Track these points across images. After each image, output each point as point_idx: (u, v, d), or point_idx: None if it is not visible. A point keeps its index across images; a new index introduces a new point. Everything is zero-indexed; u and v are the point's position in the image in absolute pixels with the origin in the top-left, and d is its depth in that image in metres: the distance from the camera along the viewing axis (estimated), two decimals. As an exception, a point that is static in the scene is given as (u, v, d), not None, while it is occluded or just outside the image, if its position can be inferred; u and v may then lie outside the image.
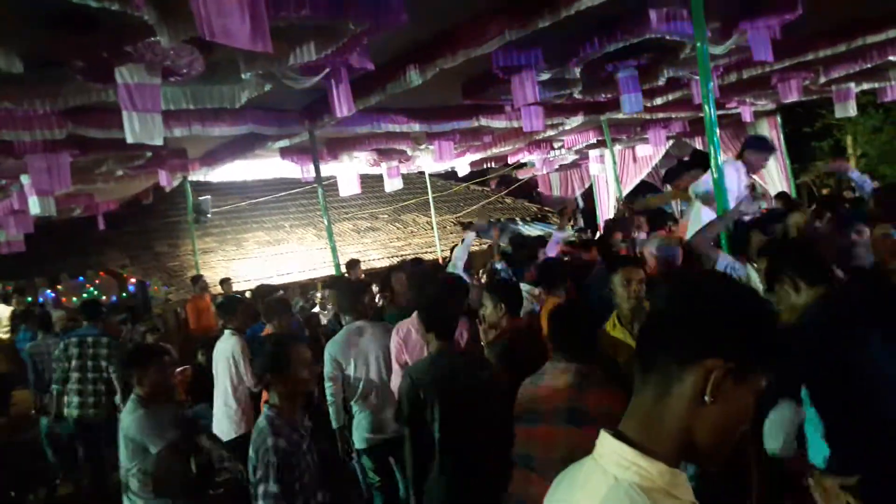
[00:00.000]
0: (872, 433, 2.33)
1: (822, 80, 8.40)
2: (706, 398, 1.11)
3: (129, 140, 4.55)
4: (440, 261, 12.11)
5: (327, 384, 4.63)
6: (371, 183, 12.29)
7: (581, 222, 15.41)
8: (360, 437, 4.60)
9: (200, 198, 10.82)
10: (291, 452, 2.74)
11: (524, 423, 2.93)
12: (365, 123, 7.55)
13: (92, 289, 12.16)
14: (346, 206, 15.45)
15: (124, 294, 12.12)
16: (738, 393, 1.13)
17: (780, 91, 8.67)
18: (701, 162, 8.20)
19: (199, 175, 9.42)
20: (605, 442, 1.17)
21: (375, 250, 14.67)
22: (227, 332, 5.53)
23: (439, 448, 3.32)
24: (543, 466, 2.70)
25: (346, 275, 8.28)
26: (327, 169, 9.71)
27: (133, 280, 12.15)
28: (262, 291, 6.80)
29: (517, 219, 17.37)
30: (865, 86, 9.47)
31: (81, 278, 12.23)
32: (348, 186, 10.31)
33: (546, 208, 18.25)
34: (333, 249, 7.97)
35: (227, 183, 12.39)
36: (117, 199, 11.41)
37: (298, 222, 15.05)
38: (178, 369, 6.93)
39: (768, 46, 5.55)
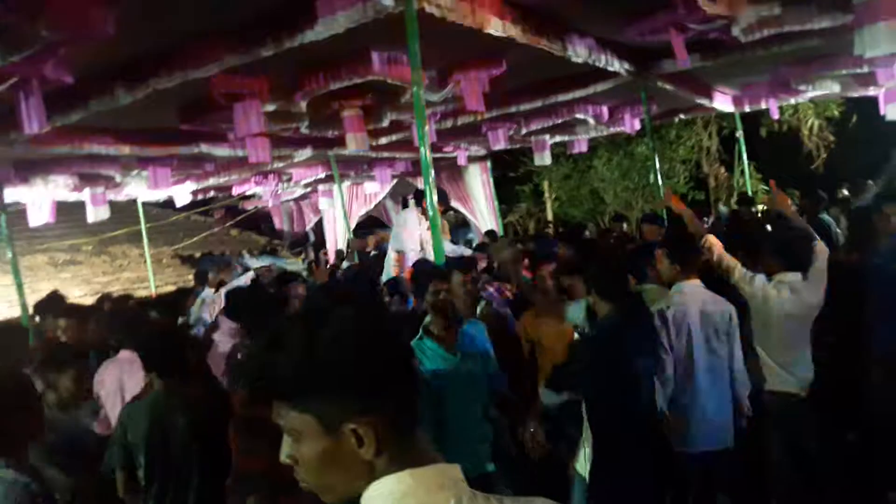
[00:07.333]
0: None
1: (524, 131, 9.39)
2: None
3: None
4: (153, 296, 11.13)
5: None
6: (72, 210, 10.90)
7: (311, 255, 15.34)
8: None
9: None
10: None
11: None
12: (63, 143, 6.67)
13: None
14: (40, 237, 13.49)
15: None
16: None
17: (489, 139, 9.53)
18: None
19: None
20: (383, 485, 1.09)
21: (77, 286, 13.00)
22: None
23: None
24: None
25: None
26: (15, 193, 8.41)
27: None
28: None
29: (244, 252, 16.71)
30: (558, 138, 10.79)
31: None
32: (40, 215, 9.03)
33: (275, 241, 17.83)
34: (19, 286, 6.89)
35: None
36: None
37: (-23, 255, 12.83)
38: None
39: (480, 97, 6.03)
